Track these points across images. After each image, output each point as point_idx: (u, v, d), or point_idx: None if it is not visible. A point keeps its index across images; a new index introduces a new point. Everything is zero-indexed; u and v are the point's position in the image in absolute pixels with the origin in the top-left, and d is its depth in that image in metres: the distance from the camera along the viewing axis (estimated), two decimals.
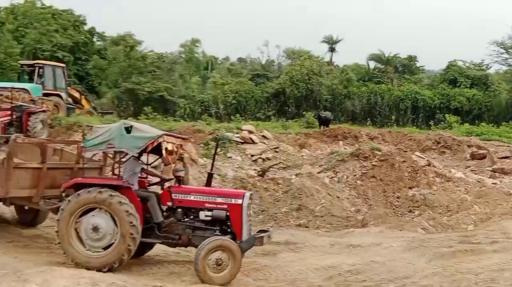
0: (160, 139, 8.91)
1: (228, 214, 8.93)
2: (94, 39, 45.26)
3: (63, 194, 9.24)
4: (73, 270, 7.95)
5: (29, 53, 36.09)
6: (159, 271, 9.00)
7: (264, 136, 22.22)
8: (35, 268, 7.78)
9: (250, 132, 21.88)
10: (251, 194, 9.43)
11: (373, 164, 17.47)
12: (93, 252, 8.63)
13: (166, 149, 9.01)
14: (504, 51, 39.99)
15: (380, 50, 56.28)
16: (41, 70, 25.94)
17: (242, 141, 21.20)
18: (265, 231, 9.31)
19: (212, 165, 10.09)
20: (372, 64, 57.17)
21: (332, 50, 60.95)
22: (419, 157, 19.27)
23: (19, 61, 30.11)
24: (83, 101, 28.71)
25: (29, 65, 27.34)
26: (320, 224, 13.78)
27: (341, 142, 24.24)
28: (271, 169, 18.69)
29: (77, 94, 28.56)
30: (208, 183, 9.69)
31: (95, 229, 8.59)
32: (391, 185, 16.32)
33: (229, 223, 8.95)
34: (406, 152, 19.76)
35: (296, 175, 17.35)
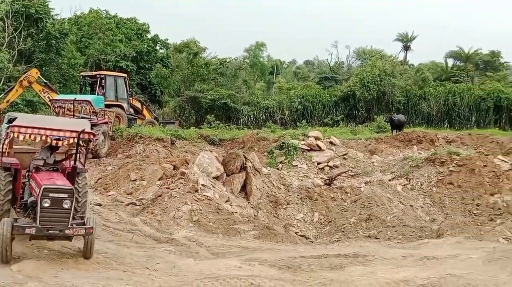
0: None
1: None
2: (157, 47, 46.45)
3: None
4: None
5: (93, 63, 37.45)
6: None
7: (331, 143, 22.11)
8: None
9: (317, 138, 21.82)
10: None
11: (451, 170, 17.04)
12: None
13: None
14: None
15: (459, 47, 54.90)
16: (102, 81, 26.90)
17: (309, 148, 21.17)
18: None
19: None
20: (450, 62, 55.87)
21: (406, 48, 60.08)
22: (502, 160, 18.55)
23: (81, 73, 31.31)
24: (145, 112, 29.48)
25: (91, 77, 28.44)
26: (392, 235, 13.50)
27: (415, 147, 23.78)
28: (339, 177, 18.56)
29: (139, 105, 29.37)
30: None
31: None
32: (470, 191, 15.84)
33: None
34: (487, 155, 19.12)
35: (366, 182, 17.14)
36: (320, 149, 21.14)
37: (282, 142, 21.33)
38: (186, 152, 21.39)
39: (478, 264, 10.16)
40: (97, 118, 21.40)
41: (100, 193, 15.59)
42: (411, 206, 15.33)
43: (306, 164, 19.99)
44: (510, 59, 59.45)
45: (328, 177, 18.58)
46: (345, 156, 21.08)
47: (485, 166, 16.97)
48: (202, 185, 14.94)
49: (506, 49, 71.37)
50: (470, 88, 40.96)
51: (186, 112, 39.26)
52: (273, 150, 20.97)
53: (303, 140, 21.70)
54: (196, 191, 14.54)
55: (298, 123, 34.10)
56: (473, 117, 39.14)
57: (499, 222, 14.01)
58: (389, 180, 17.35)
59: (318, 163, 20.20)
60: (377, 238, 13.28)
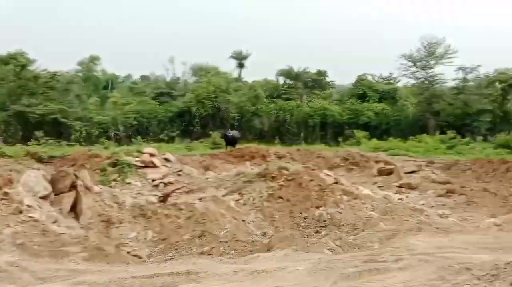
0: None
1: None
2: None
3: None
4: None
5: None
6: None
7: (166, 159, 22.03)
8: None
9: (152, 155, 21.62)
10: None
11: (280, 184, 17.63)
12: None
13: None
14: (412, 64, 42.06)
15: (288, 66, 57.54)
16: None
17: (143, 165, 20.88)
18: None
19: None
20: (282, 80, 58.25)
21: (241, 65, 61.58)
22: (327, 174, 19.70)
23: None
24: None
25: None
26: (225, 250, 13.68)
27: (248, 162, 24.40)
28: (174, 193, 18.50)
29: None
30: None
31: None
32: (298, 205, 16.52)
33: None
34: (314, 170, 20.12)
35: (200, 199, 17.24)
36: (154, 166, 20.95)
37: (116, 159, 20.80)
38: (11, 171, 20.02)
39: (304, 275, 10.61)
40: None
41: None
42: (243, 221, 15.66)
43: (141, 181, 19.69)
44: (334, 78, 63.51)
45: (162, 193, 18.44)
46: (180, 172, 21.10)
47: (311, 180, 17.81)
48: (28, 205, 14.10)
49: (331, 69, 76.29)
50: (299, 106, 43.22)
51: (11, 128, 36.91)
52: (105, 167, 20.33)
53: (137, 157, 21.37)
54: (21, 212, 13.70)
55: (133, 139, 33.54)
56: (302, 133, 41.28)
57: (324, 233, 14.80)
58: (223, 196, 17.60)
59: (153, 180, 19.99)
60: (210, 254, 13.36)
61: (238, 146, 28.92)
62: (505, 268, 8.42)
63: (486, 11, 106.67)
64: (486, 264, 9.13)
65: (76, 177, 16.07)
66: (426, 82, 42.35)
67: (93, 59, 52.08)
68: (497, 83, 41.53)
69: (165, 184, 19.80)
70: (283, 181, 17.77)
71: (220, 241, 14.07)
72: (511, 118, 40.98)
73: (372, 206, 16.75)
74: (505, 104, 41.94)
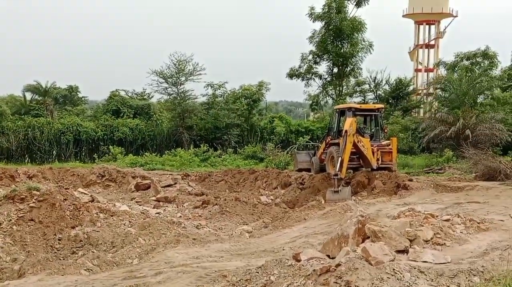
0: None
1: None
2: None
3: None
4: None
5: None
6: None
7: None
8: None
9: None
10: None
11: (31, 206, 16.57)
12: None
13: None
14: (164, 80, 42.87)
15: (36, 81, 54.97)
16: None
17: None
18: None
19: None
20: (29, 96, 55.46)
21: None
22: (82, 193, 19.11)
23: None
24: None
25: None
26: None
27: None
28: None
29: None
30: None
31: None
32: (52, 226, 15.70)
33: None
34: (67, 189, 19.38)
35: None
36: None
37: None
38: None
39: None
40: None
41: None
42: None
43: None
44: (86, 94, 62.22)
45: None
46: None
47: (65, 199, 17.08)
48: None
49: (82, 84, 74.73)
50: (50, 122, 41.29)
51: None
52: None
53: None
54: None
55: None
56: (54, 151, 39.48)
57: (81, 254, 14.27)
58: None
59: None
60: None
61: None
62: (257, 272, 9.01)
63: None
64: (239, 270, 9.67)
65: None
66: (178, 98, 43.53)
67: None
68: (242, 99, 44.51)
69: None
70: (33, 202, 16.73)
71: None
72: (257, 131, 44.21)
73: (130, 221, 16.63)
74: (251, 118, 45.10)
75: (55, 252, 14.54)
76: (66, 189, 19.62)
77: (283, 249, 13.02)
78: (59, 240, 15.18)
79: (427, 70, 73.81)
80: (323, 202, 20.78)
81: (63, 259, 13.95)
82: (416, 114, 51.32)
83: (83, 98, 63.85)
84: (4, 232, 15.58)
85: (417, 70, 75.51)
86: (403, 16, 77.62)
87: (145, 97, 53.33)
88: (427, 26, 77.57)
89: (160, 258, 12.94)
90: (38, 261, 13.44)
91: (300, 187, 25.78)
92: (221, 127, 42.73)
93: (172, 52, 42.87)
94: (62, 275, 12.17)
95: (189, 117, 42.97)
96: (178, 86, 43.48)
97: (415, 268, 7.81)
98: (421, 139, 38.31)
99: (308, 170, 27.63)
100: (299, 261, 8.89)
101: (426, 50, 77.02)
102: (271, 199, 24.07)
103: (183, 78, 43.14)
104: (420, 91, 59.84)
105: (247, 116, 44.61)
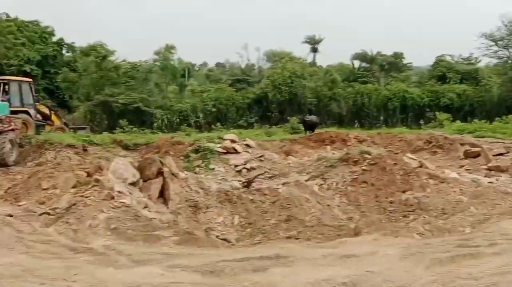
0: None
1: None
2: (64, 51, 44.94)
3: None
4: None
5: None
6: None
7: (247, 145, 22.22)
8: None
9: (233, 141, 21.88)
10: None
11: (363, 169, 17.41)
12: None
13: None
14: (493, 43, 40.42)
15: (362, 50, 56.86)
16: (6, 86, 25.68)
17: (225, 151, 21.18)
18: None
19: None
20: (357, 64, 57.70)
21: (314, 50, 61.35)
22: (411, 158, 19.29)
23: None
24: (53, 117, 28.47)
25: None
26: (311, 235, 13.66)
27: (328, 147, 24.30)
28: (257, 179, 18.66)
29: (46, 110, 28.33)
30: None
31: None
32: (384, 189, 16.26)
33: None
34: (397, 153, 19.80)
35: (283, 184, 17.30)
36: (236, 152, 21.20)
37: (198, 146, 21.21)
38: (100, 158, 20.82)
39: (395, 260, 10.47)
40: (3, 126, 20.43)
41: (11, 203, 14.85)
42: (328, 205, 15.56)
43: (224, 167, 19.98)
44: (411, 60, 62.03)
45: (246, 179, 18.64)
46: (261, 158, 21.23)
47: (395, 164, 17.49)
48: (118, 191, 14.54)
49: (408, 51, 74.62)
50: (377, 89, 42.56)
51: (97, 117, 38.30)
52: (189, 154, 20.80)
53: (219, 143, 21.69)
54: (112, 198, 14.13)
55: (213, 126, 34.06)
56: (381, 117, 40.67)
57: (412, 218, 14.50)
58: (306, 181, 17.56)
59: (235, 166, 20.23)
60: (297, 239, 13.41)
61: (317, 131, 28.84)
62: None
63: None
64: None
65: (162, 163, 16.45)
66: (510, 61, 40.55)
67: (169, 48, 52.94)
68: None
69: (248, 170, 19.99)
70: (366, 165, 17.53)
71: (306, 226, 14.07)
72: None
73: (461, 189, 16.25)
74: None
75: (387, 214, 15.03)
76: (395, 153, 20.05)
77: None
78: (390, 202, 15.63)
79: None
80: None
81: (395, 222, 14.35)
82: None
83: (407, 65, 63.98)
84: (340, 192, 16.72)
85: None
86: None
87: (472, 61, 51.01)
88: None
89: (494, 229, 12.42)
90: (372, 221, 14.08)
91: None
92: None
93: (503, 13, 40.02)
94: (396, 237, 12.57)
95: None
96: (510, 49, 40.49)
97: None
98: None
99: None
100: None
101: None
102: None
103: None
104: None
105: None
